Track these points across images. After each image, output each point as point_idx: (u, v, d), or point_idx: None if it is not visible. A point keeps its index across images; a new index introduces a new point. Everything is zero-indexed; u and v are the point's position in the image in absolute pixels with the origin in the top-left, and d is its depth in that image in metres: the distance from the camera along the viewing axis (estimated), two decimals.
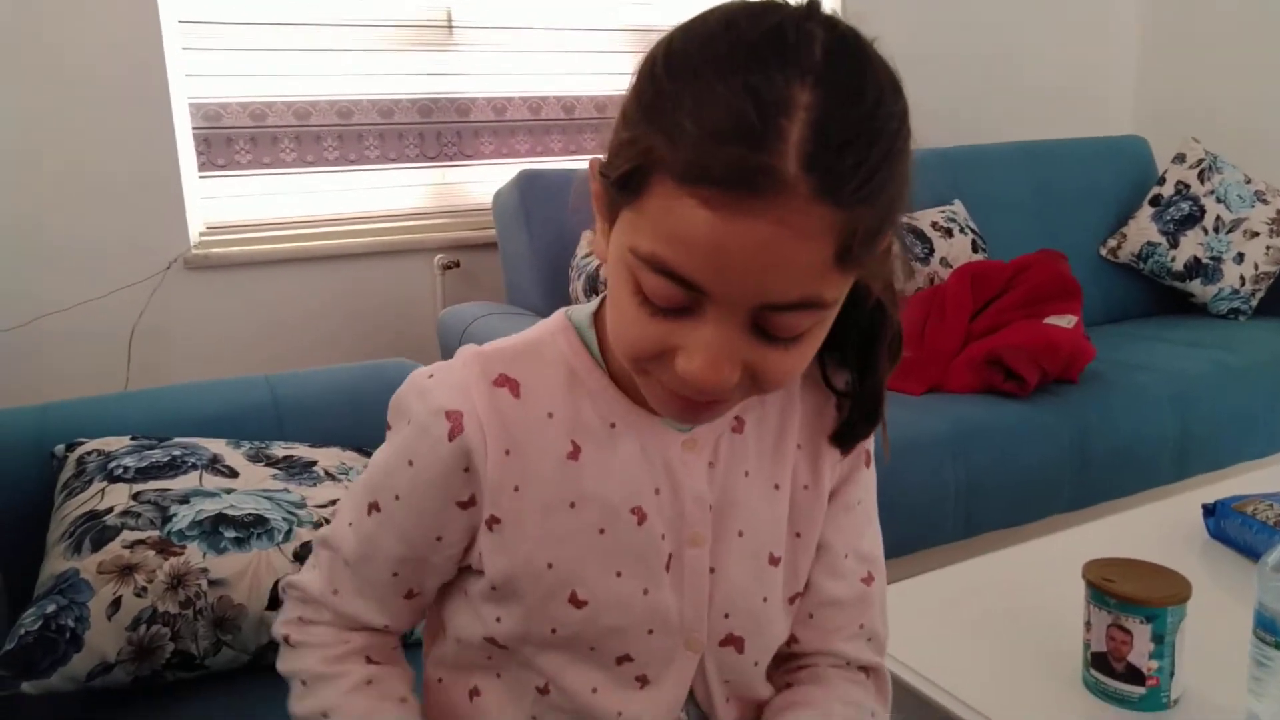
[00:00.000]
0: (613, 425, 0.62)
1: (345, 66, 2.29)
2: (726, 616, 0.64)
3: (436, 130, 2.42)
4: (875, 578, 0.71)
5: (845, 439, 0.67)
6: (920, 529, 1.82)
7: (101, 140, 1.99)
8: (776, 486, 0.66)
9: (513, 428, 0.60)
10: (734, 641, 0.65)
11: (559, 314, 0.65)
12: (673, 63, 0.49)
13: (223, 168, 2.21)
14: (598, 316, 0.63)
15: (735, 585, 0.64)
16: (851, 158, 0.46)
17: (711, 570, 0.64)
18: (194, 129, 2.15)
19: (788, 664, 0.71)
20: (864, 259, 0.49)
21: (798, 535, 0.67)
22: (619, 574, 0.62)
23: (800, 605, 0.69)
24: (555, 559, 0.61)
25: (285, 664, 0.68)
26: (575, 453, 0.61)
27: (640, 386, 0.57)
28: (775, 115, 0.45)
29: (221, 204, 2.22)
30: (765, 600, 0.66)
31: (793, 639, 0.70)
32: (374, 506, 0.64)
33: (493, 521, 0.61)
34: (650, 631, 0.63)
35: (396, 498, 0.62)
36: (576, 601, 0.61)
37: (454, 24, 2.37)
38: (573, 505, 0.61)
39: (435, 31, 2.36)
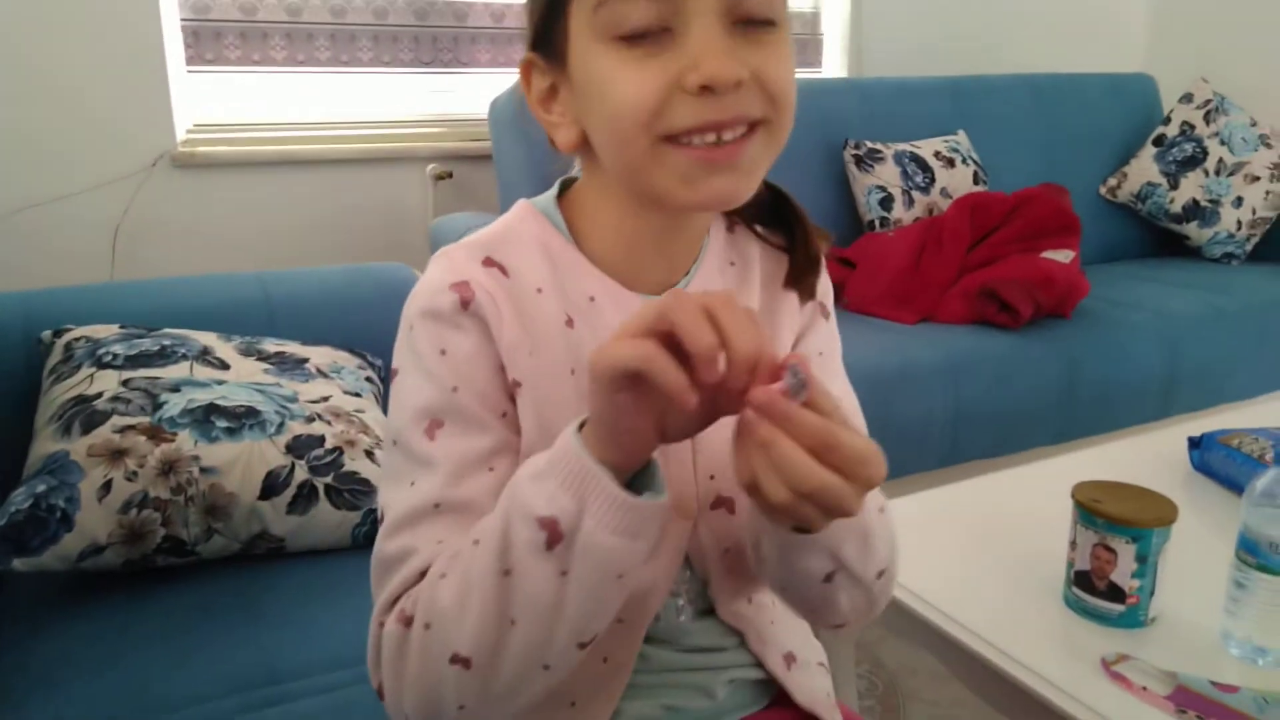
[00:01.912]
0: (591, 299, 0.63)
1: None
2: (712, 478, 0.65)
3: (432, 34, 2.35)
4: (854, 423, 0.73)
5: (798, 280, 0.71)
6: (908, 455, 1.84)
7: (86, 30, 1.92)
8: None
9: (513, 299, 0.62)
10: (724, 503, 0.66)
11: (519, 204, 0.67)
12: None
13: (211, 63, 2.14)
14: (561, 201, 0.66)
15: (715, 446, 0.64)
16: None
17: (692, 438, 0.64)
18: (182, 20, 2.07)
19: None
20: None
21: None
22: None
23: None
24: (559, 422, 0.60)
25: (414, 626, 0.54)
26: (570, 322, 0.63)
27: (652, 176, 0.57)
28: None
29: (210, 102, 2.16)
30: None
31: None
32: (435, 425, 0.59)
33: (515, 386, 0.61)
34: None
35: (454, 390, 0.59)
36: None
37: None
38: (573, 372, 0.62)
39: None
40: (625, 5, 0.54)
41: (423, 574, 0.56)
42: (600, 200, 0.64)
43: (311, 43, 2.24)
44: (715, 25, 0.54)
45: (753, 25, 0.55)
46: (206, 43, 2.13)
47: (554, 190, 0.67)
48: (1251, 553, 0.86)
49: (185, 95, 2.11)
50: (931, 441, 1.86)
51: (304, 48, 2.23)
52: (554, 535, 0.49)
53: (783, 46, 0.57)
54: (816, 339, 0.73)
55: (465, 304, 0.60)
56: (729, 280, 0.69)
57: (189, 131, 2.13)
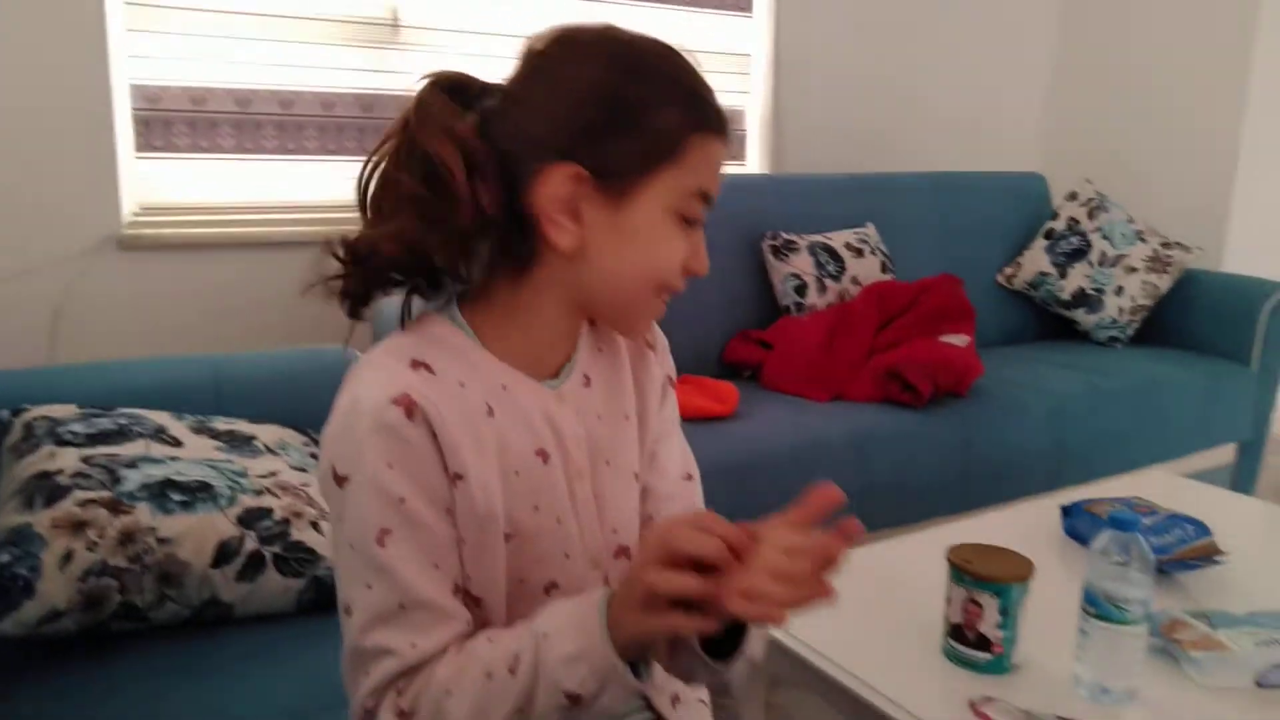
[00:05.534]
0: (504, 387, 0.74)
1: (288, 57, 2.31)
2: (615, 531, 0.80)
3: (377, 125, 2.45)
4: (693, 476, 0.89)
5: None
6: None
7: (38, 114, 1.97)
8: (626, 417, 0.83)
9: (444, 396, 0.70)
10: (623, 552, 0.81)
11: (425, 313, 0.76)
12: (648, 73, 0.71)
13: (160, 149, 2.21)
14: (463, 308, 0.75)
15: (616, 504, 0.81)
16: None
17: (596, 497, 0.79)
18: (133, 109, 2.14)
19: None
20: None
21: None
22: (536, 508, 0.75)
23: (641, 510, 0.85)
24: (496, 504, 0.72)
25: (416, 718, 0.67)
26: (491, 411, 0.73)
27: (636, 312, 0.77)
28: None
29: (157, 185, 2.20)
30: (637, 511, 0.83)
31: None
32: (385, 534, 0.67)
33: (456, 479, 0.70)
34: (566, 556, 0.76)
35: (403, 500, 0.67)
36: (506, 536, 0.73)
37: (399, 24, 2.43)
38: (497, 455, 0.73)
39: (380, 29, 2.41)
40: (700, 205, 0.73)
41: (406, 672, 0.67)
42: (532, 304, 0.75)
43: (259, 131, 2.33)
44: (701, 227, 0.75)
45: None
46: (156, 130, 2.20)
47: (453, 301, 0.76)
48: (1092, 604, 1.00)
49: (132, 178, 2.15)
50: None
51: (252, 136, 2.32)
52: (576, 703, 0.64)
53: None
54: (669, 409, 0.88)
55: (410, 413, 0.67)
56: (601, 362, 0.83)
57: (134, 214, 2.16)
